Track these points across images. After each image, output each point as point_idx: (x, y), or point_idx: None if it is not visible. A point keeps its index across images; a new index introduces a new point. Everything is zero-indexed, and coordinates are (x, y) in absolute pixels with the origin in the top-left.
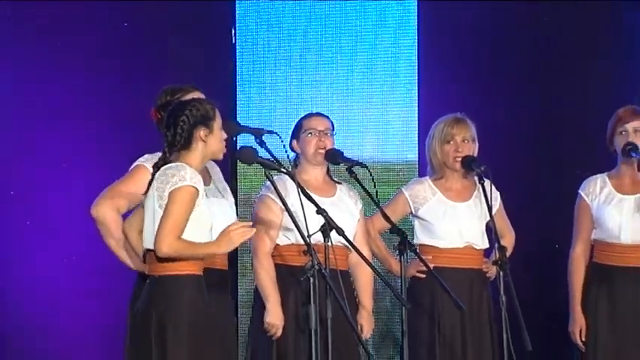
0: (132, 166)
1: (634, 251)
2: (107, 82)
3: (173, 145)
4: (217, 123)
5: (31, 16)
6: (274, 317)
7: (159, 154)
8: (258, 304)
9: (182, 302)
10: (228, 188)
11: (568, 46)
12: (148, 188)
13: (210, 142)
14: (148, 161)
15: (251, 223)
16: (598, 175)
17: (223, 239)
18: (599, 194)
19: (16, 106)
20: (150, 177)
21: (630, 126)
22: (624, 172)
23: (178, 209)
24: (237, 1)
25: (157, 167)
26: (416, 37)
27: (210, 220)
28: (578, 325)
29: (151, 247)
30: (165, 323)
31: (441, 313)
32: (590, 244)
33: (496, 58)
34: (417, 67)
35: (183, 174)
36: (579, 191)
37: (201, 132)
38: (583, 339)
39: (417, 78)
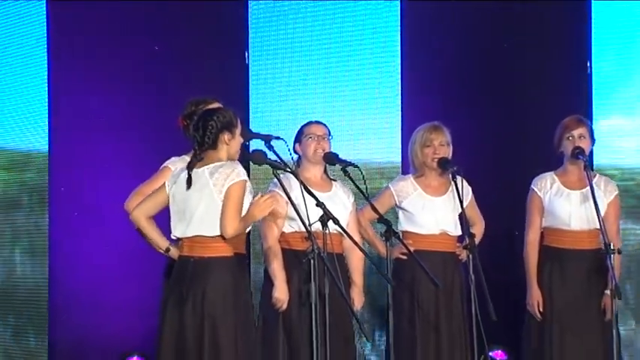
0: (161, 167)
1: (581, 236)
2: (141, 95)
3: (202, 145)
4: (238, 129)
5: (87, 47)
6: (281, 293)
7: (184, 157)
8: (268, 282)
9: (229, 279)
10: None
11: (531, 57)
12: (189, 185)
13: (232, 144)
14: (173, 163)
15: (275, 194)
16: (547, 173)
17: (255, 209)
18: (549, 189)
19: (67, 117)
20: (186, 175)
21: (576, 132)
22: (571, 171)
23: (239, 199)
24: (249, 30)
25: (191, 165)
26: (399, 57)
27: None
28: (535, 298)
29: (206, 233)
30: (216, 297)
31: (420, 289)
32: (541, 230)
33: (468, 67)
34: (399, 82)
35: (238, 171)
36: (532, 186)
37: (226, 136)
38: (541, 310)
39: (400, 91)
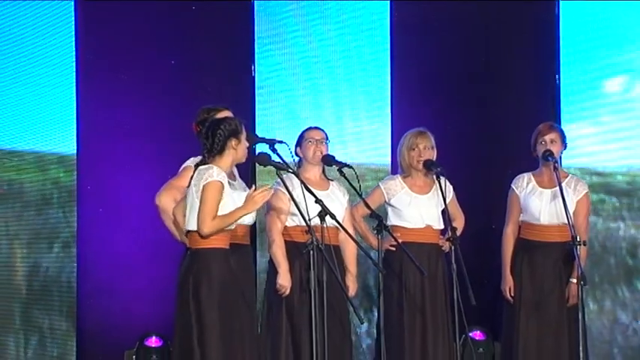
0: (182, 167)
1: (549, 230)
2: (159, 103)
3: (211, 150)
4: (244, 136)
5: (111, 59)
6: (284, 280)
7: (200, 158)
8: (272, 271)
9: (213, 269)
10: (245, 185)
11: (508, 69)
12: (189, 184)
13: (238, 149)
14: (193, 163)
15: (269, 186)
16: (525, 174)
17: (249, 202)
18: (525, 187)
19: (93, 123)
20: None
21: (547, 137)
22: (544, 171)
23: (212, 199)
24: (254, 47)
25: (197, 167)
26: (389, 68)
27: (234, 206)
28: (507, 284)
29: (191, 228)
30: (201, 284)
31: (408, 276)
32: (519, 224)
33: (451, 78)
34: (389, 92)
35: (211, 172)
36: (511, 185)
37: (233, 142)
38: (512, 294)
39: (389, 100)
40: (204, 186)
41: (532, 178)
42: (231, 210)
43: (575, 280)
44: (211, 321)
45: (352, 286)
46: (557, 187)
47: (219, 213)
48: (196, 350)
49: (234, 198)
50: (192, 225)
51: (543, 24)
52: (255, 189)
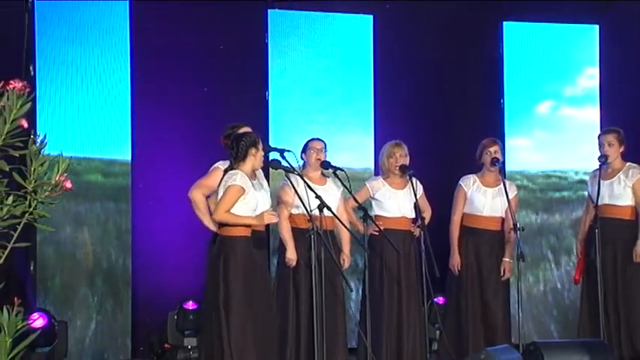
0: (211, 168)
1: (490, 220)
2: (195, 120)
3: (236, 157)
4: (260, 146)
5: (157, 87)
6: (292, 254)
7: (226, 161)
8: (281, 249)
9: (238, 251)
10: (266, 184)
11: (463, 94)
12: (220, 183)
13: (257, 156)
14: (221, 164)
15: (277, 213)
16: (471, 175)
17: (260, 217)
18: (472, 185)
19: (144, 135)
20: (222, 175)
21: (492, 149)
22: (487, 174)
23: (230, 197)
24: (268, 77)
25: (226, 171)
26: (372, 98)
27: (254, 203)
28: (456, 261)
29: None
30: (229, 264)
31: (387, 255)
32: (462, 214)
33: (419, 101)
34: (373, 115)
35: (235, 177)
36: (459, 182)
37: (252, 151)
38: (459, 269)
39: (373, 119)
40: (227, 186)
41: (477, 178)
42: (247, 212)
43: (507, 259)
44: (236, 292)
45: (345, 262)
46: (498, 187)
47: (241, 209)
48: (222, 312)
49: (256, 196)
50: None
51: (491, 62)
52: (272, 209)
